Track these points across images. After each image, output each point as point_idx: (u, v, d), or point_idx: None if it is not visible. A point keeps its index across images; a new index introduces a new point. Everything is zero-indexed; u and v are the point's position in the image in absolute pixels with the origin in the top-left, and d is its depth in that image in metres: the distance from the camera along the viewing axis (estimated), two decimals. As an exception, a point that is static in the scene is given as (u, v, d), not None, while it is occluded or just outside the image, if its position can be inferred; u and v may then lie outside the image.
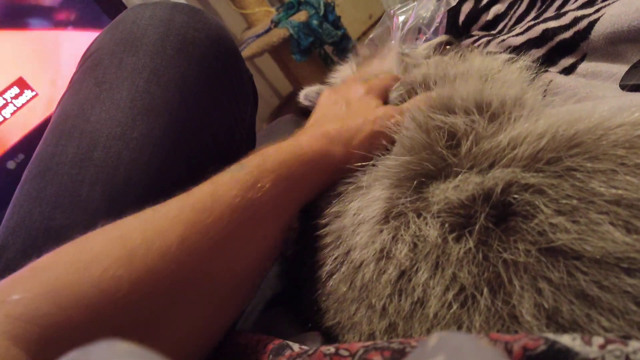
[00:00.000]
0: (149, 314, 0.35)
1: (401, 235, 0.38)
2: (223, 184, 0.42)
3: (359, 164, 0.49)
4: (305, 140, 0.50)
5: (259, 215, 0.43)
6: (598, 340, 0.23)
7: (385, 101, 0.62)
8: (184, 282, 0.37)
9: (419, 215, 0.38)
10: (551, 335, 0.24)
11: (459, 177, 0.38)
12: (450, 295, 0.33)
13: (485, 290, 0.31)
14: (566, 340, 0.23)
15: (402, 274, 0.36)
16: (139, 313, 0.34)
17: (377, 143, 0.51)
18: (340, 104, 0.61)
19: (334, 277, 0.43)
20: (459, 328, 0.32)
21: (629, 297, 0.26)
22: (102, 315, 0.32)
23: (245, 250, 0.42)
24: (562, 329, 0.27)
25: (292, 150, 0.47)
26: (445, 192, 0.37)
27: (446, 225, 0.35)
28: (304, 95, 0.73)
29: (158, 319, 0.36)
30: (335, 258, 0.44)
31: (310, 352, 0.32)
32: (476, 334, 0.29)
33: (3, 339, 0.29)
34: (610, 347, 0.22)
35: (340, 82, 0.75)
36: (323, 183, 0.50)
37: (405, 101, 0.58)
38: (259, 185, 0.43)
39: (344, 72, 0.77)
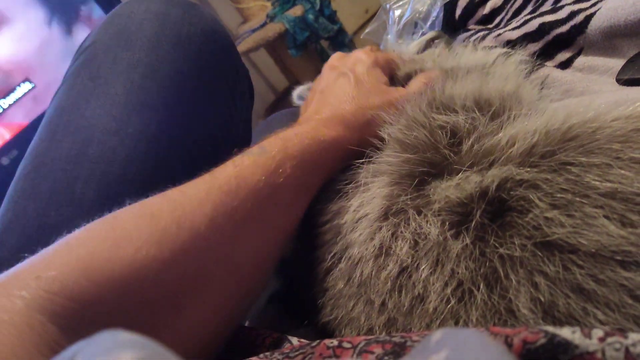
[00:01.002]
0: (178, 294, 0.36)
1: (401, 232, 0.38)
2: (246, 167, 0.42)
3: (358, 161, 0.48)
4: (323, 125, 0.49)
5: (280, 200, 0.43)
6: (597, 333, 0.23)
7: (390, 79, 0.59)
8: (211, 262, 0.38)
9: (419, 213, 0.38)
10: (551, 328, 0.24)
11: (460, 175, 0.38)
12: (448, 291, 0.33)
13: (482, 285, 0.31)
14: (566, 333, 0.23)
15: (402, 270, 0.36)
16: (169, 292, 0.35)
17: (375, 125, 0.49)
18: (348, 77, 0.56)
19: (331, 273, 0.43)
20: (456, 322, 0.32)
21: (625, 291, 0.26)
22: (134, 293, 0.33)
23: (265, 234, 0.43)
24: (559, 322, 0.28)
25: (313, 136, 0.47)
26: (446, 191, 0.37)
27: (446, 223, 0.35)
28: (297, 94, 0.72)
29: (186, 299, 0.36)
30: (333, 255, 0.44)
31: (314, 344, 0.32)
32: (478, 329, 0.29)
33: (39, 314, 0.29)
34: (609, 339, 0.22)
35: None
36: (336, 168, 0.50)
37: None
38: (280, 170, 0.43)
39: None
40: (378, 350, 0.29)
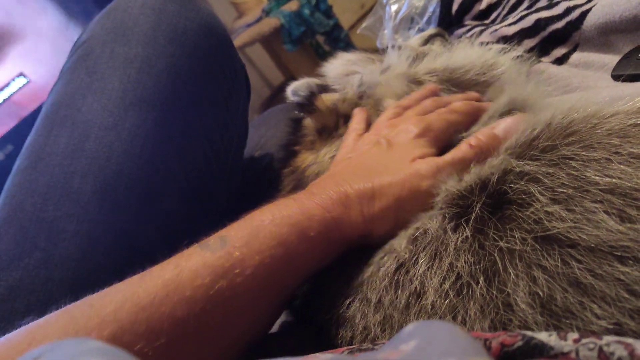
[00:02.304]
0: None
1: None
2: (188, 269, 0.35)
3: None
4: (315, 206, 0.39)
5: (231, 307, 0.35)
6: (573, 336, 0.23)
7: (447, 144, 0.47)
8: None
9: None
10: (528, 332, 0.24)
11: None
12: (447, 285, 0.33)
13: (481, 278, 0.31)
14: (542, 336, 0.24)
15: (400, 266, 0.37)
16: None
17: (405, 211, 0.40)
18: (379, 148, 0.46)
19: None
20: (454, 317, 0.32)
21: (621, 285, 0.27)
22: None
23: (205, 349, 0.35)
24: (556, 316, 0.28)
25: (295, 223, 0.37)
26: (445, 184, 0.37)
27: (446, 216, 0.36)
28: (292, 90, 0.71)
29: None
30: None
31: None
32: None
33: None
34: (584, 340, 0.23)
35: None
36: (329, 256, 0.40)
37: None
38: (236, 271, 0.35)
39: (335, 66, 0.76)
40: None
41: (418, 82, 0.56)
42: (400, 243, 0.38)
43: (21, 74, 1.80)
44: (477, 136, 0.42)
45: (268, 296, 0.37)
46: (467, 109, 0.48)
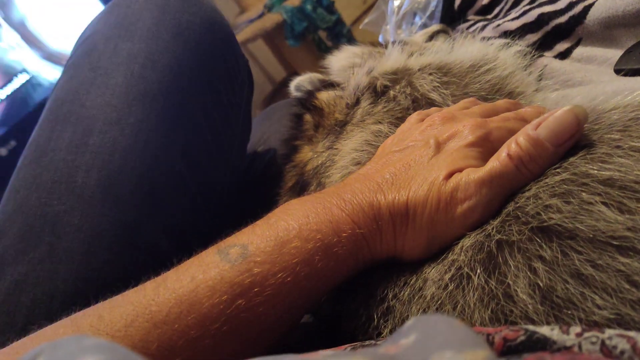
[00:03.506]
0: None
1: None
2: (205, 284, 0.32)
3: None
4: (346, 219, 0.35)
5: (248, 325, 0.33)
6: (575, 329, 0.24)
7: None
8: None
9: None
10: (531, 327, 0.25)
11: None
12: (447, 277, 0.33)
13: (480, 270, 0.32)
14: (545, 330, 0.24)
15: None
16: None
17: (438, 240, 0.36)
18: (424, 151, 0.39)
19: None
20: (454, 307, 0.32)
21: (622, 276, 0.27)
22: None
23: None
24: (557, 307, 0.28)
25: (322, 238, 0.34)
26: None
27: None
28: (295, 86, 0.72)
29: None
30: None
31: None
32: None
33: None
34: (586, 334, 0.23)
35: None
36: (354, 272, 0.37)
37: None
38: (255, 290, 0.32)
39: (338, 60, 0.76)
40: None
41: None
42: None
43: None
44: (520, 142, 0.34)
45: (286, 315, 0.35)
46: (536, 116, 0.39)
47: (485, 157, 0.36)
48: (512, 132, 0.37)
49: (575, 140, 0.33)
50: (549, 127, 0.33)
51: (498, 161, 0.34)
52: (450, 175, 0.35)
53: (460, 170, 0.35)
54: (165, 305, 0.32)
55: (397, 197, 0.36)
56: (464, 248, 0.34)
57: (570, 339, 0.23)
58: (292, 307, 0.34)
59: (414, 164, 0.38)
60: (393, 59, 0.60)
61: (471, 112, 0.42)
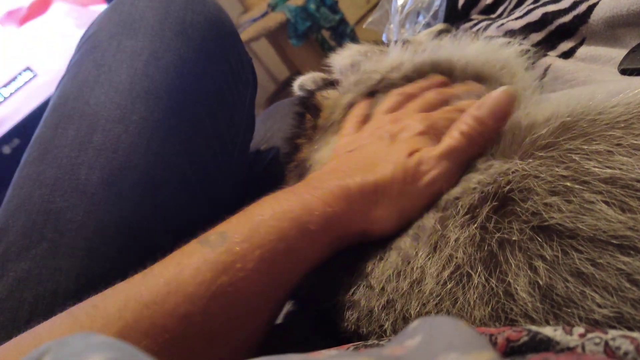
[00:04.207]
0: None
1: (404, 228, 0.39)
2: (190, 266, 0.35)
3: None
4: (316, 200, 0.38)
5: (234, 302, 0.35)
6: (578, 330, 0.24)
7: None
8: None
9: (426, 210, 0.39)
10: (534, 327, 0.25)
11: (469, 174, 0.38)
12: (445, 274, 0.33)
13: (480, 268, 0.32)
14: (548, 331, 0.24)
15: (402, 259, 0.37)
16: None
17: (407, 211, 0.39)
18: (381, 142, 0.44)
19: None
20: (454, 304, 0.32)
21: (623, 275, 0.27)
22: None
23: (213, 346, 0.35)
24: (557, 305, 0.28)
25: (295, 217, 0.37)
26: (452, 195, 0.38)
27: (449, 217, 0.36)
28: (299, 85, 0.72)
29: None
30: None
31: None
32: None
33: None
34: (590, 335, 0.23)
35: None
36: (331, 251, 0.40)
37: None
38: (237, 266, 0.35)
39: (342, 57, 0.76)
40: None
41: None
42: (405, 241, 0.38)
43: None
44: (467, 121, 0.41)
45: (270, 291, 0.37)
46: (470, 104, 0.46)
47: (434, 142, 0.42)
48: (452, 121, 0.43)
49: (511, 114, 0.40)
50: (488, 107, 0.41)
51: (451, 139, 0.40)
52: (411, 154, 0.41)
53: (418, 151, 0.41)
54: (154, 287, 0.34)
55: (365, 178, 0.39)
56: (460, 243, 0.34)
57: (573, 339, 0.23)
58: (274, 283, 0.37)
59: (374, 153, 0.43)
60: (393, 56, 0.60)
61: (412, 109, 0.48)
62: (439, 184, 0.39)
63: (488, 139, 0.40)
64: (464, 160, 0.40)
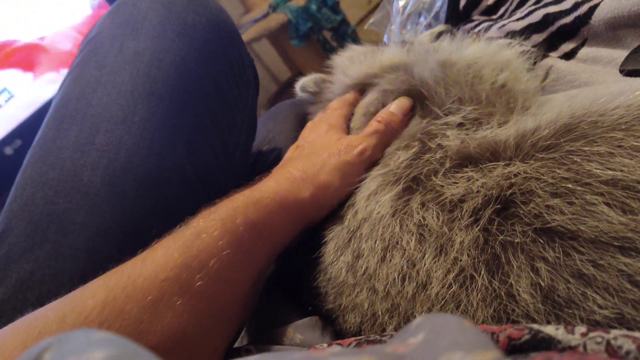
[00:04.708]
0: None
1: (406, 225, 0.39)
2: (160, 245, 0.39)
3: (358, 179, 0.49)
4: (265, 185, 0.47)
5: (207, 270, 0.38)
6: (580, 329, 0.24)
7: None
8: None
9: (426, 208, 0.38)
10: (535, 326, 0.25)
11: (469, 174, 0.38)
12: (450, 277, 0.33)
13: (483, 270, 0.32)
14: (549, 330, 0.24)
15: (407, 261, 0.37)
16: None
17: (349, 175, 0.49)
18: (304, 147, 0.58)
19: (334, 264, 0.44)
20: (457, 306, 0.32)
21: (624, 276, 0.27)
22: None
23: (197, 314, 0.37)
24: (559, 306, 0.28)
25: (247, 196, 0.44)
26: (451, 190, 0.38)
27: (455, 219, 0.36)
28: (300, 86, 0.72)
29: None
30: (337, 247, 0.44)
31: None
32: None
33: None
34: (591, 334, 0.23)
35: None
36: (296, 227, 0.47)
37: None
38: (203, 235, 0.39)
39: (343, 59, 0.76)
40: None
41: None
42: (408, 240, 0.38)
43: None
44: (380, 114, 0.54)
45: (240, 258, 0.40)
46: (339, 104, 0.63)
47: (340, 131, 0.58)
48: (339, 113, 0.61)
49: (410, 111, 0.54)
50: (395, 105, 0.54)
51: (372, 126, 0.53)
52: (339, 139, 0.54)
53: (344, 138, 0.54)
54: (131, 263, 0.38)
55: (306, 164, 0.50)
56: (465, 245, 0.34)
57: (575, 338, 0.23)
58: (241, 255, 0.40)
59: (307, 149, 0.55)
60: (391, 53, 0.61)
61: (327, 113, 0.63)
62: (368, 153, 0.50)
63: (397, 126, 0.53)
64: (384, 139, 0.52)
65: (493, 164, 0.37)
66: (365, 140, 0.51)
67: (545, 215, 0.31)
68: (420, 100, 0.52)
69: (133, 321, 0.34)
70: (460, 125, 0.45)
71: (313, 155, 0.52)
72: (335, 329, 0.43)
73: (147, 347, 0.29)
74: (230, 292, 0.40)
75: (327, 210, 0.49)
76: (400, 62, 0.60)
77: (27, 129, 1.79)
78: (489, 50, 0.56)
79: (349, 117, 0.61)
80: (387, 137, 0.52)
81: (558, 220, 0.30)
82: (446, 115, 0.46)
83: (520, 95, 0.49)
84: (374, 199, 0.43)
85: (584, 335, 0.23)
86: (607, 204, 0.29)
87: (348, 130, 0.60)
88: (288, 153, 0.62)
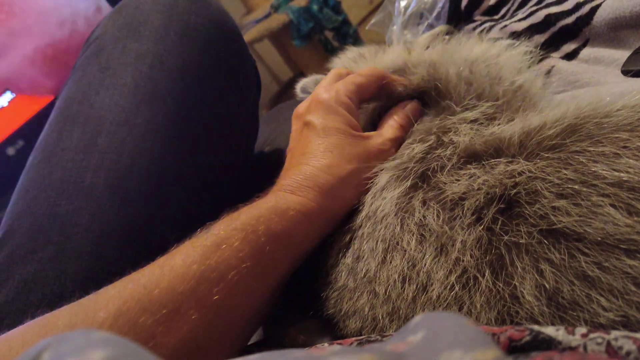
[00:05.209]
0: None
1: (407, 225, 0.38)
2: (179, 252, 0.38)
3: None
4: (290, 194, 0.44)
5: (226, 283, 0.37)
6: (581, 330, 0.24)
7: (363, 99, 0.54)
8: None
9: (427, 207, 0.38)
10: (536, 327, 0.25)
11: (471, 171, 0.38)
12: (452, 278, 0.33)
13: (487, 271, 0.32)
14: (550, 331, 0.24)
15: (407, 262, 0.37)
16: None
17: (365, 183, 0.46)
18: (313, 129, 0.50)
19: (335, 268, 0.44)
20: (460, 308, 0.32)
21: (629, 278, 0.27)
22: None
23: (212, 326, 0.36)
24: (563, 309, 0.28)
25: (272, 206, 0.41)
26: (452, 188, 0.38)
27: (455, 217, 0.36)
28: (301, 87, 0.72)
29: None
30: (339, 250, 0.44)
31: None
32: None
33: None
34: (592, 335, 0.23)
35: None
36: (320, 237, 0.45)
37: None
38: (223, 246, 0.37)
39: (344, 60, 0.76)
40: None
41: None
42: (408, 240, 0.38)
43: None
44: (399, 119, 0.50)
45: (261, 269, 0.39)
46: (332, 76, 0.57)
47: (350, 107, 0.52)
48: (349, 88, 0.52)
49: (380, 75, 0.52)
50: (366, 70, 0.53)
51: (393, 131, 0.49)
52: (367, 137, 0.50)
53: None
54: (148, 271, 0.37)
55: (332, 175, 0.45)
56: (467, 245, 0.34)
57: (575, 339, 0.23)
58: (261, 263, 0.39)
59: (323, 150, 0.48)
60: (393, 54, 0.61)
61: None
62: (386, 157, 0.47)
63: (370, 87, 0.52)
64: (360, 95, 0.51)
65: (495, 160, 0.37)
66: (387, 145, 0.48)
67: (552, 216, 0.31)
68: (434, 97, 0.51)
69: (145, 334, 0.33)
70: (473, 121, 0.44)
71: (339, 165, 0.46)
72: (336, 334, 0.43)
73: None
74: (247, 303, 0.39)
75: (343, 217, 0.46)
76: (421, 60, 0.58)
77: (29, 130, 1.80)
78: (509, 51, 0.56)
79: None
80: (361, 93, 0.51)
81: (564, 222, 0.30)
82: (463, 111, 0.46)
83: (534, 98, 0.49)
84: (380, 196, 0.43)
85: (584, 336, 0.23)
86: (613, 206, 0.29)
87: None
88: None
